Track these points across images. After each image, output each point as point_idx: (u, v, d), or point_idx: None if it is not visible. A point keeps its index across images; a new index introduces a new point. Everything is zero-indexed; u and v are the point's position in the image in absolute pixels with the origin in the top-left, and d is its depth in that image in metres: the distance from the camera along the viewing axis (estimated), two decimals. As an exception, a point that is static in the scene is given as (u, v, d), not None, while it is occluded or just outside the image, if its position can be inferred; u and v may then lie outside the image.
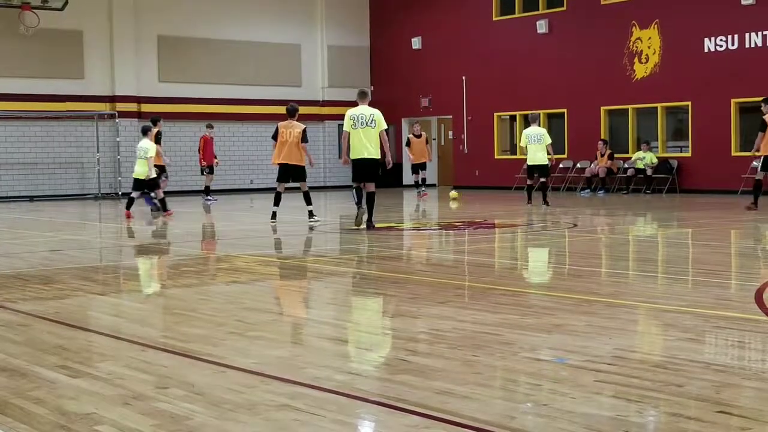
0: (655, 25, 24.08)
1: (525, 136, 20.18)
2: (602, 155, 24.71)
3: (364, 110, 14.29)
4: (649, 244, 12.98)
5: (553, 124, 26.81)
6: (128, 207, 17.85)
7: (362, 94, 14.67)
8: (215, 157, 24.50)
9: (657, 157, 24.05)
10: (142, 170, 17.86)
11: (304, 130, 16.10)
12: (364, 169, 14.22)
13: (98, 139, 26.80)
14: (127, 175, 26.91)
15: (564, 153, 26.31)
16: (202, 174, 24.41)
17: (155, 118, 20.71)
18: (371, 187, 14.30)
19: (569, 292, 7.73)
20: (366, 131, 14.14)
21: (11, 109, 25.71)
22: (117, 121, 26.99)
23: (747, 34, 22.34)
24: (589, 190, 24.74)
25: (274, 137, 16.15)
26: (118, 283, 9.33)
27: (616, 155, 24.90)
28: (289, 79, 30.26)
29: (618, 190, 24.64)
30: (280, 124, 16.18)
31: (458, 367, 5.03)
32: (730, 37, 22.63)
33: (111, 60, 27.36)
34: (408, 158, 25.35)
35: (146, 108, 27.75)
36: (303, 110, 28.73)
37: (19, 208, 22.32)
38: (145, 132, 18.38)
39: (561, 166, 26.03)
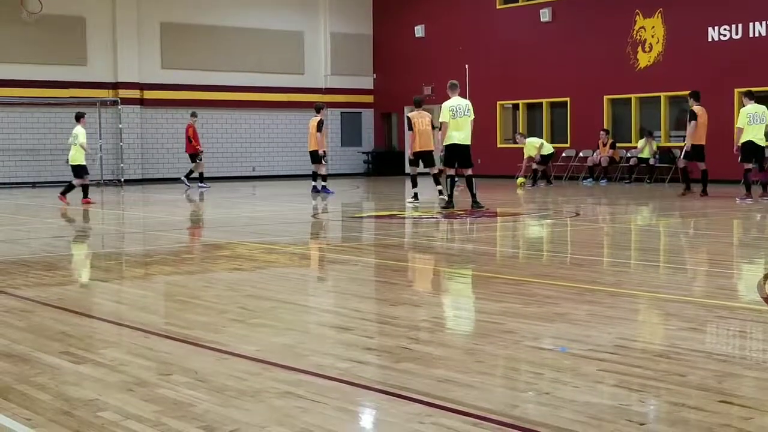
0: (659, 14, 24.01)
1: (535, 140, 23.78)
2: (604, 144, 24.68)
3: (460, 101, 15.62)
4: (651, 234, 12.98)
5: (556, 113, 26.77)
6: (64, 193, 18.13)
7: (454, 86, 15.87)
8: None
9: (659, 147, 24.02)
10: (74, 156, 18.17)
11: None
12: (461, 155, 15.57)
13: (101, 126, 26.79)
14: (129, 162, 26.97)
15: (567, 142, 26.28)
16: (196, 161, 24.20)
17: (319, 106, 21.11)
18: (469, 171, 15.71)
19: (571, 281, 7.74)
20: (464, 120, 15.45)
21: (14, 95, 25.69)
22: (119, 107, 26.97)
23: (751, 24, 22.28)
24: (591, 179, 24.72)
25: (410, 127, 17.85)
26: (121, 270, 9.34)
27: (618, 145, 24.86)
28: (292, 67, 30.22)
29: (620, 179, 24.62)
30: (412, 114, 18.06)
31: (460, 356, 5.04)
32: (734, 26, 22.57)
33: (114, 46, 27.32)
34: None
35: (148, 95, 27.75)
36: (305, 98, 28.91)
37: (22, 194, 22.33)
38: (78, 118, 18.53)
39: (564, 155, 26.01)
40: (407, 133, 18.32)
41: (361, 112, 31.88)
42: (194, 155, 24.16)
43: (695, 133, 18.14)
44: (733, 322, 5.97)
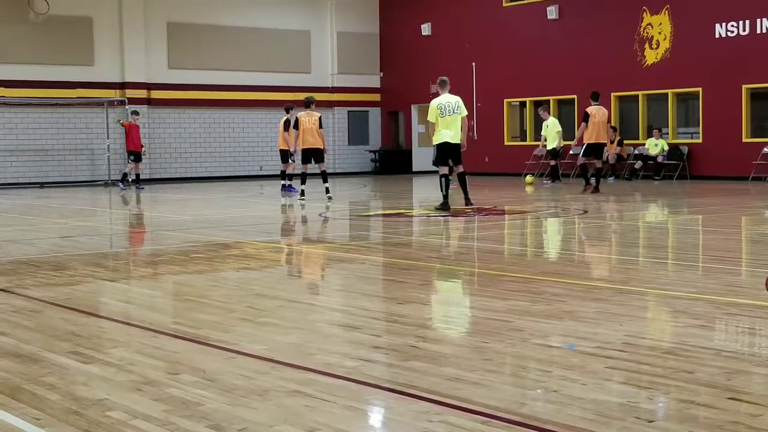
0: (666, 11, 23.96)
1: (557, 124, 23.55)
2: (612, 142, 24.62)
3: (450, 98, 15.20)
4: (660, 231, 12.96)
5: (563, 111, 26.73)
6: None
7: (443, 83, 15.47)
8: (143, 146, 24.53)
9: (668, 144, 23.98)
10: None
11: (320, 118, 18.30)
12: (453, 153, 15.22)
13: (108, 126, 26.83)
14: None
15: (574, 139, 26.23)
16: (130, 160, 24.20)
17: (288, 107, 21.29)
18: (461, 168, 15.44)
19: (579, 278, 7.73)
20: (454, 118, 15.10)
21: (22, 95, 25.75)
22: (127, 107, 27.00)
23: (758, 20, 22.22)
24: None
25: (296, 126, 18.33)
26: (129, 270, 9.36)
27: (626, 142, 24.82)
28: (299, 66, 30.23)
29: (630, 176, 24.55)
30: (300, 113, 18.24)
31: (468, 354, 5.04)
32: (741, 22, 22.51)
33: (121, 46, 27.36)
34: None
35: (155, 95, 27.79)
36: (313, 97, 28.85)
37: (30, 195, 22.38)
38: None
39: (571, 152, 25.97)
40: (293, 132, 18.74)
41: (368, 111, 31.88)
42: (138, 154, 24.07)
43: (592, 132, 18.79)
44: (742, 319, 5.96)
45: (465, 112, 15.30)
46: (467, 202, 15.38)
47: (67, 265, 9.07)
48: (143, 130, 27.29)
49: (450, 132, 15.03)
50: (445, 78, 15.58)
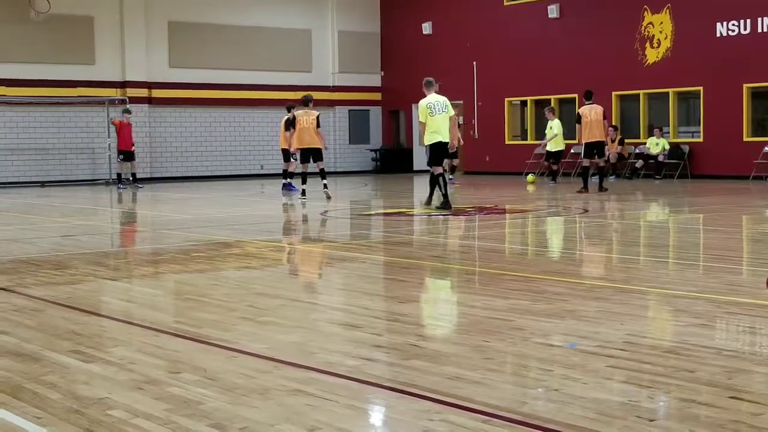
0: (667, 10, 23.95)
1: (559, 126, 23.48)
2: (612, 141, 24.62)
3: (438, 98, 15.22)
4: (661, 230, 12.95)
5: (564, 110, 26.73)
6: None
7: (429, 84, 15.44)
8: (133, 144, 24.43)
9: (669, 143, 23.98)
10: None
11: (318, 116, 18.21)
12: (444, 152, 15.41)
13: (109, 125, 26.81)
14: (137, 161, 26.99)
15: (575, 138, 26.23)
16: (126, 161, 24.18)
17: (289, 106, 21.30)
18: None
19: (580, 277, 7.72)
20: (443, 117, 15.13)
21: (22, 94, 25.75)
22: (127, 106, 26.99)
23: (759, 19, 22.20)
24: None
25: (293, 125, 18.36)
26: (130, 269, 9.36)
27: (627, 141, 24.82)
28: (300, 65, 30.23)
29: (631, 174, 24.55)
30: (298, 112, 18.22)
31: (469, 353, 5.04)
32: (742, 21, 22.50)
33: (122, 45, 27.37)
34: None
35: (156, 93, 27.79)
36: (313, 96, 28.90)
37: (31, 194, 22.38)
38: None
39: (572, 151, 25.97)
40: (289, 131, 18.79)
41: (368, 110, 31.88)
42: (128, 153, 24.04)
43: (586, 132, 18.77)
44: (742, 318, 5.96)
45: (452, 112, 15.32)
46: (428, 201, 15.47)
47: (68, 264, 9.08)
48: (144, 129, 27.34)
49: (442, 131, 15.08)
50: (430, 78, 15.62)
